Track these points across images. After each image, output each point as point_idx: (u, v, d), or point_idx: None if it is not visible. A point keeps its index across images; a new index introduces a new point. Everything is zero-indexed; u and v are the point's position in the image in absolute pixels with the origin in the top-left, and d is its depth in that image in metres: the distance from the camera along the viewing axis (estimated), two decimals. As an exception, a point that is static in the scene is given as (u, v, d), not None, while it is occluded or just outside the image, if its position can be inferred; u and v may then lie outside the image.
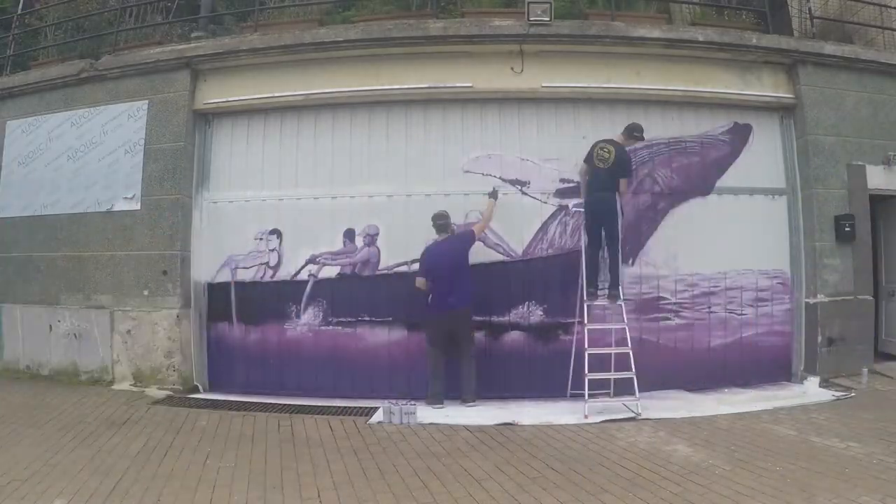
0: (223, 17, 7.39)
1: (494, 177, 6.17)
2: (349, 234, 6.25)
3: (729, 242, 6.27)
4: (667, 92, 6.28)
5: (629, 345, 5.31)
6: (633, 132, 5.73)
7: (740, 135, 6.52)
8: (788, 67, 6.59)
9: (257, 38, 6.43)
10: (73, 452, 4.23)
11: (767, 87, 6.54)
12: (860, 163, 6.62)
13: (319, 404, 5.60)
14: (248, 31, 6.70)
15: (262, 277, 6.36)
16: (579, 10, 6.66)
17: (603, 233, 5.56)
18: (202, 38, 6.76)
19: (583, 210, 5.77)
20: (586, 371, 5.20)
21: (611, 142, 5.66)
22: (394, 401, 5.22)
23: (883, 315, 7.20)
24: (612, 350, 5.50)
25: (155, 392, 6.02)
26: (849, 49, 6.87)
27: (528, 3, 5.96)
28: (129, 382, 6.26)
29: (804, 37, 7.11)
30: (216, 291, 6.44)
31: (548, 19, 6.00)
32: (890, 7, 7.44)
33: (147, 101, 6.52)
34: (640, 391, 5.35)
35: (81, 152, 6.73)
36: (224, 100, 6.45)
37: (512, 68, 6.13)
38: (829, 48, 6.70)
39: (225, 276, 6.43)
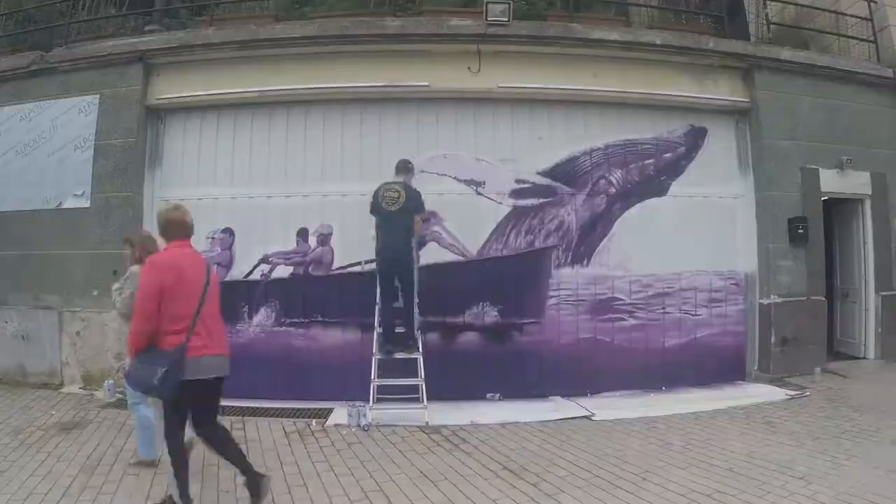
0: (178, 10, 7.21)
1: (450, 177, 6.14)
2: (302, 234, 6.15)
3: (684, 244, 6.32)
4: (623, 94, 6.30)
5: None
6: (406, 166, 5.51)
7: (696, 138, 6.57)
8: (745, 72, 6.66)
9: (212, 33, 6.31)
10: (21, 458, 4.12)
11: (724, 90, 6.61)
12: (814, 166, 6.74)
13: (274, 406, 5.49)
14: (203, 26, 6.58)
15: (213, 277, 6.23)
16: (538, 12, 6.67)
17: (398, 282, 5.27)
18: (156, 31, 6.61)
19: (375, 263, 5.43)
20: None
21: (395, 182, 5.39)
22: (349, 402, 5.15)
23: (837, 315, 7.35)
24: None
25: (105, 395, 5.85)
26: (804, 55, 6.98)
27: (487, 3, 5.92)
28: (78, 385, 6.10)
29: (761, 42, 7.22)
30: (167, 291, 6.28)
31: (506, 20, 5.97)
32: (846, 14, 7.59)
33: (98, 96, 6.35)
34: (591, 392, 5.33)
35: (31, 147, 6.52)
36: (177, 95, 6.30)
37: (469, 68, 6.08)
38: (786, 53, 6.80)
39: (176, 276, 6.27)
